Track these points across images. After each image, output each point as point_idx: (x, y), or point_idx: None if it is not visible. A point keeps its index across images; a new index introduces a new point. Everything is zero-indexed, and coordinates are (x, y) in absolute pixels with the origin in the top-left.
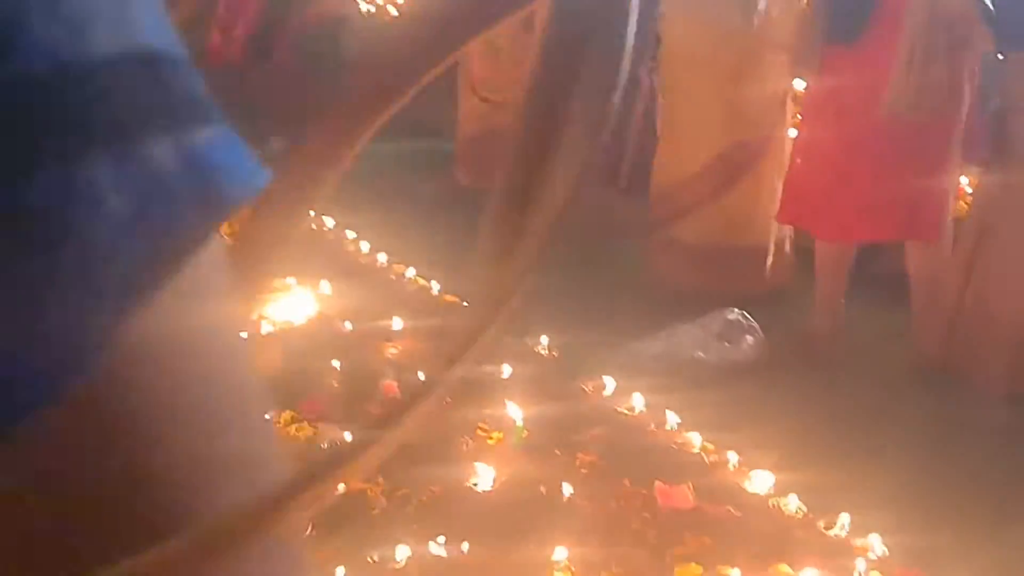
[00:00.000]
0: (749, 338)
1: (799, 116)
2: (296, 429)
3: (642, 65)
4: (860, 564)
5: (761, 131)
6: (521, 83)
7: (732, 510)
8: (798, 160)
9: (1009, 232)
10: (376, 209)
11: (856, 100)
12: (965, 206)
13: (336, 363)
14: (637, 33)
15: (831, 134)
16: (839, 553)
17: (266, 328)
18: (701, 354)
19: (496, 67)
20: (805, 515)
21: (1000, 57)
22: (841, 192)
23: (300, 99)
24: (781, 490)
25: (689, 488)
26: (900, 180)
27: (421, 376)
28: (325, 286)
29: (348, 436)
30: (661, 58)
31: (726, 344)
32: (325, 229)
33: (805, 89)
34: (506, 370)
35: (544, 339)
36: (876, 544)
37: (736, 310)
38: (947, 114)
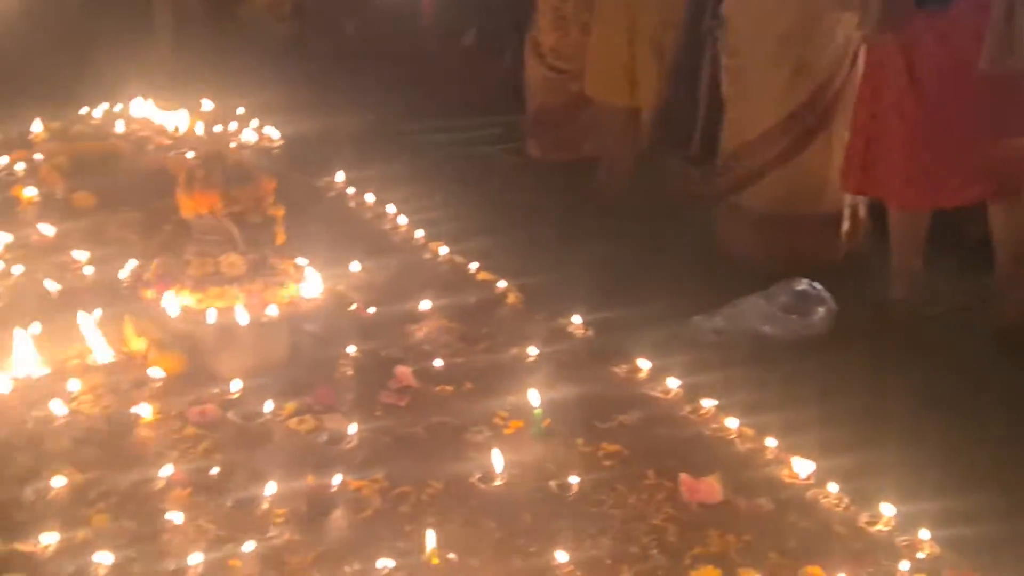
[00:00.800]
0: (820, 309)
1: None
2: (298, 422)
3: (704, 21)
4: (904, 566)
5: (831, 91)
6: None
7: (765, 503)
8: (865, 127)
9: None
10: (432, 184)
11: (949, 62)
12: None
13: (352, 349)
14: None
15: (914, 99)
16: (882, 552)
17: (274, 311)
18: (767, 328)
19: (564, 35)
20: (847, 508)
21: None
22: (923, 158)
23: None
24: (825, 478)
25: (717, 479)
26: (990, 139)
27: (438, 363)
28: (354, 265)
29: (352, 428)
30: (724, 17)
31: (794, 317)
32: (365, 206)
33: (870, 51)
34: (532, 352)
35: (576, 318)
36: (925, 541)
37: (805, 280)
38: None
